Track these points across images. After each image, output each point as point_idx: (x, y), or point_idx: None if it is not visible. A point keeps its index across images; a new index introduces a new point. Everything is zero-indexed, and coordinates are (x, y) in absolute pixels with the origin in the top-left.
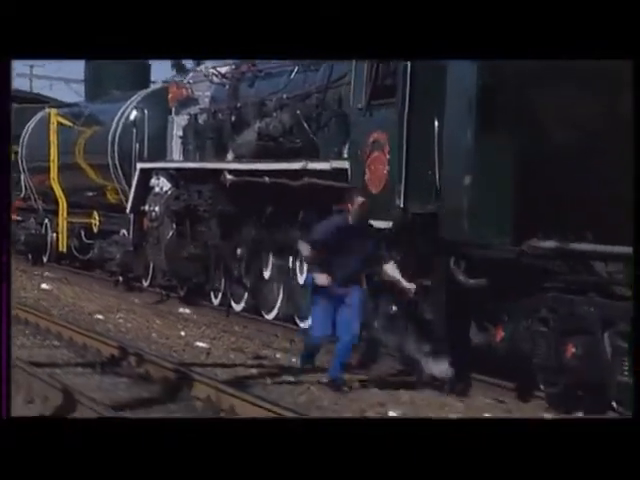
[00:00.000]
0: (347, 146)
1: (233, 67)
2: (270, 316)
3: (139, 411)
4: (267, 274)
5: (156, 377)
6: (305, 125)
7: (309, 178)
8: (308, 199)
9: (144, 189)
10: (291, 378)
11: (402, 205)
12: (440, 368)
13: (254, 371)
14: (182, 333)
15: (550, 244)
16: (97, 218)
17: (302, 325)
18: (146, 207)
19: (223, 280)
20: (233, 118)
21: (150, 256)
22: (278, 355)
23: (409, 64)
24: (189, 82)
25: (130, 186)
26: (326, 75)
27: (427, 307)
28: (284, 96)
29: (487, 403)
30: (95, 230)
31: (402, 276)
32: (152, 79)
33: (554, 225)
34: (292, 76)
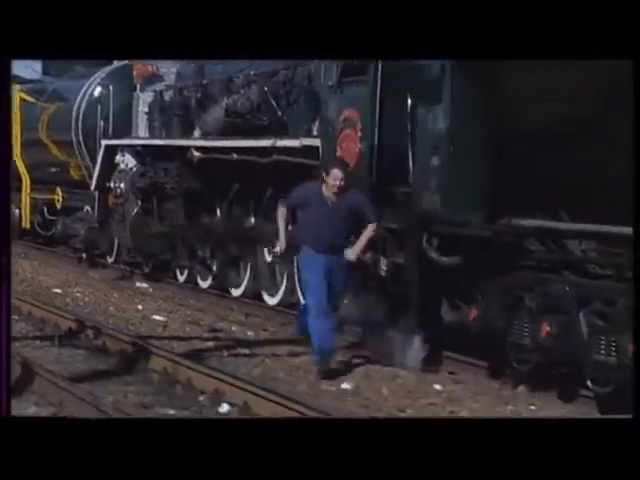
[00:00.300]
0: (317, 123)
1: None
2: (237, 292)
3: (97, 383)
4: (234, 251)
5: (113, 350)
6: (273, 102)
7: (278, 155)
8: (277, 176)
9: (109, 166)
10: (246, 351)
11: (374, 182)
12: (413, 346)
13: (210, 344)
14: (139, 307)
15: (524, 222)
16: (60, 194)
17: (269, 301)
18: (111, 184)
19: (189, 258)
20: (199, 95)
21: (115, 233)
22: (233, 328)
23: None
24: None
25: (95, 163)
26: None
27: (399, 284)
28: (251, 73)
29: (442, 376)
30: (58, 206)
31: (374, 253)
32: None
33: (528, 204)
34: None
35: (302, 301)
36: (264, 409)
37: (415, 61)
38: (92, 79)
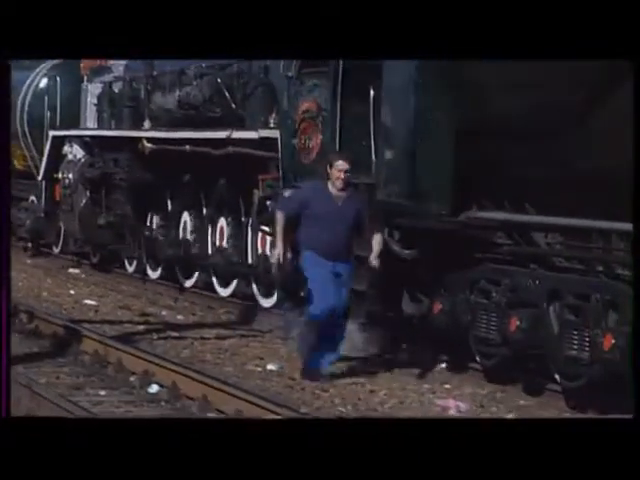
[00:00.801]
0: (275, 115)
1: None
2: (188, 283)
3: (30, 365)
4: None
5: (46, 333)
6: (227, 94)
7: (234, 147)
8: (231, 168)
9: (56, 157)
10: (175, 334)
11: None
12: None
13: (140, 327)
14: (72, 292)
15: (490, 215)
16: None
17: (221, 293)
18: (59, 174)
19: (138, 248)
20: (150, 87)
21: (63, 223)
22: (163, 312)
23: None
24: None
25: (40, 153)
26: None
27: (360, 277)
28: (203, 65)
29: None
30: None
31: None
32: None
33: (493, 196)
34: None
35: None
36: (192, 390)
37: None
38: (37, 70)
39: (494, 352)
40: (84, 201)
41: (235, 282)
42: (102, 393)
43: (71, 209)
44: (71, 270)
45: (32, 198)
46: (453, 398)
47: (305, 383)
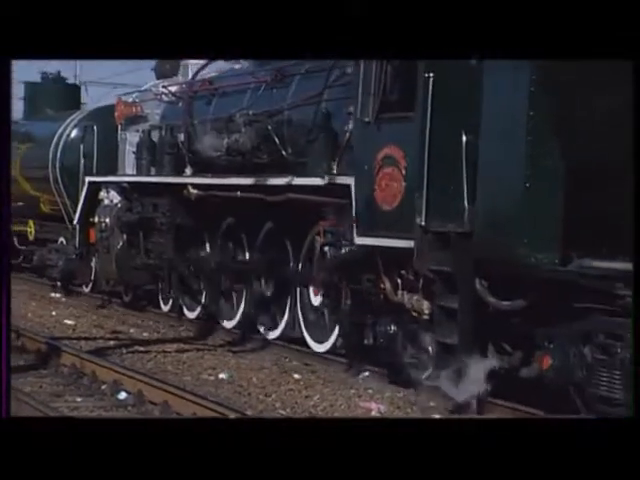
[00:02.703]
0: (338, 161)
1: (184, 86)
2: (229, 325)
3: (17, 376)
4: (226, 284)
5: (31, 348)
6: (276, 140)
7: (292, 194)
8: (286, 214)
9: (92, 201)
10: (141, 348)
11: (423, 223)
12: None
13: (112, 343)
14: (53, 313)
15: (606, 264)
16: (32, 227)
17: (266, 333)
18: (95, 218)
19: (175, 289)
20: (190, 134)
21: (99, 264)
22: (131, 330)
23: (431, 75)
24: (135, 100)
25: (72, 199)
26: (299, 91)
27: (447, 330)
28: (250, 112)
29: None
30: (31, 238)
31: (414, 296)
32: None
33: (606, 243)
34: (259, 92)
35: None
36: (155, 396)
37: (474, 92)
38: (69, 120)
39: (617, 412)
40: (121, 243)
41: (282, 326)
42: (78, 400)
43: (107, 251)
44: (52, 294)
45: (61, 240)
46: (375, 401)
47: (250, 389)
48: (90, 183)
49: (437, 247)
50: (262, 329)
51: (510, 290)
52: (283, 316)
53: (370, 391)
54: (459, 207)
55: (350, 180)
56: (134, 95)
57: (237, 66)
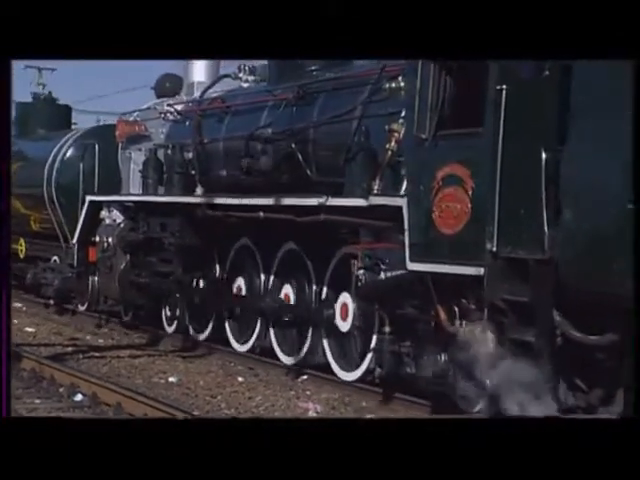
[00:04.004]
0: (386, 181)
1: (190, 105)
2: (243, 348)
3: None
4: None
5: None
6: (300, 160)
7: (327, 215)
8: (312, 235)
9: (92, 221)
10: (97, 354)
11: (495, 249)
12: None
13: (69, 349)
14: (15, 321)
15: None
16: (24, 245)
17: (285, 360)
18: (96, 238)
19: (182, 310)
20: (200, 153)
21: (100, 284)
22: (88, 337)
23: (504, 87)
24: (136, 119)
25: (66, 217)
26: (326, 108)
27: (517, 366)
28: (269, 131)
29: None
30: (21, 256)
31: (477, 328)
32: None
33: None
34: (280, 110)
35: None
36: (109, 398)
37: (554, 105)
38: (64, 140)
39: None
40: (124, 264)
41: (305, 350)
42: (37, 402)
43: (110, 271)
44: (14, 304)
45: (55, 259)
46: (312, 401)
47: (198, 391)
48: (91, 202)
49: (509, 275)
50: (281, 354)
51: (599, 323)
52: (304, 342)
53: (308, 392)
54: (537, 231)
55: (401, 201)
56: (135, 114)
57: (246, 85)
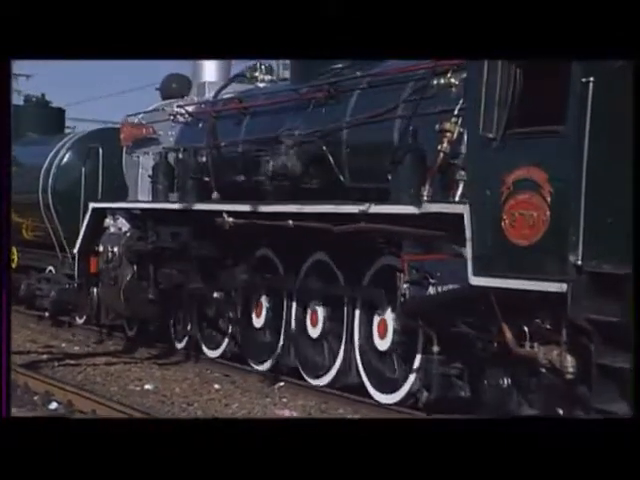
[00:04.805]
0: (437, 186)
1: (202, 106)
2: (262, 367)
3: None
4: (260, 321)
5: None
6: (332, 163)
7: (367, 223)
8: (346, 245)
9: (94, 229)
10: (72, 362)
11: (579, 262)
12: None
13: (44, 357)
14: None
15: None
16: (15, 254)
17: (313, 382)
18: (100, 247)
19: (194, 325)
20: (216, 157)
21: (103, 297)
22: (63, 345)
23: (591, 79)
24: (142, 122)
25: (63, 225)
26: (361, 107)
27: (607, 395)
28: (296, 133)
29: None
30: (13, 265)
31: (554, 350)
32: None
33: None
34: (308, 111)
35: None
36: (84, 405)
37: None
38: (60, 144)
39: None
40: (130, 275)
41: (334, 373)
42: (13, 410)
43: (114, 283)
44: None
45: (50, 268)
46: (289, 409)
47: (174, 399)
48: (94, 209)
49: (596, 291)
50: (305, 374)
51: None
52: (335, 360)
53: (284, 400)
54: (628, 242)
55: (463, 208)
56: (139, 116)
57: (262, 84)
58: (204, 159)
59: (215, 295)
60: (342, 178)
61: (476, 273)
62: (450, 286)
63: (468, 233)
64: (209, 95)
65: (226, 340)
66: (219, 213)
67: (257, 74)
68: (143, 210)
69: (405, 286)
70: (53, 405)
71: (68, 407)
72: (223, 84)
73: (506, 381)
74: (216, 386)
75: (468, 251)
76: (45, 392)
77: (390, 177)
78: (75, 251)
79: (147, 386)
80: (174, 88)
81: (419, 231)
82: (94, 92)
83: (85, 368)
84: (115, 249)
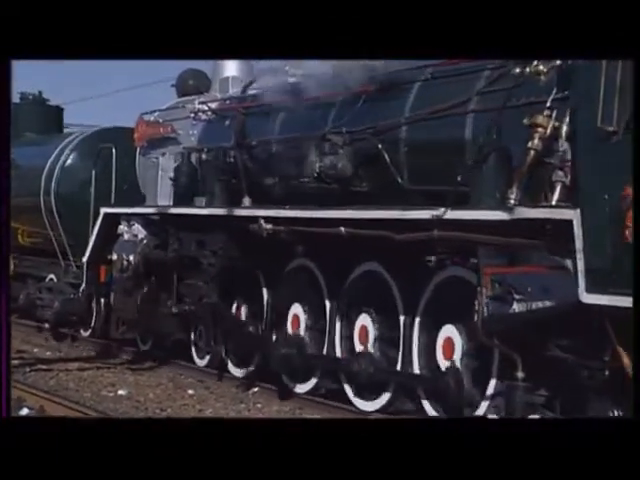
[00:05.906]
0: (515, 190)
1: (228, 102)
2: (302, 389)
3: None
4: (297, 338)
5: None
6: (388, 163)
7: (440, 231)
8: (406, 254)
9: (107, 236)
10: (44, 367)
11: None
12: None
13: (15, 362)
14: None
15: None
16: (12, 261)
17: (362, 407)
18: (113, 255)
19: (219, 342)
20: (246, 158)
21: (116, 309)
22: (35, 350)
23: None
24: (157, 120)
25: (67, 230)
26: (423, 100)
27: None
28: (344, 130)
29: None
30: (10, 273)
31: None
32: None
33: None
34: (357, 106)
35: None
36: (56, 411)
37: None
38: (63, 145)
39: None
40: (147, 286)
41: (388, 394)
42: None
43: (129, 294)
44: None
45: (51, 277)
46: (263, 414)
47: (147, 404)
48: (106, 215)
49: None
50: (354, 398)
51: None
52: (388, 384)
53: (259, 405)
54: None
55: (572, 214)
56: (155, 114)
57: (292, 79)
58: (232, 160)
59: (243, 308)
60: (400, 180)
61: (590, 290)
62: (543, 303)
63: (578, 243)
64: (234, 91)
65: (256, 357)
66: (253, 219)
67: (287, 68)
68: (162, 215)
69: (485, 301)
70: (24, 411)
71: (40, 413)
72: (251, 79)
73: (617, 413)
74: (190, 391)
75: (579, 264)
76: (17, 398)
77: (468, 179)
78: (84, 259)
79: (120, 392)
80: (191, 85)
81: (511, 240)
82: (86, 92)
83: (57, 373)
84: (131, 257)
